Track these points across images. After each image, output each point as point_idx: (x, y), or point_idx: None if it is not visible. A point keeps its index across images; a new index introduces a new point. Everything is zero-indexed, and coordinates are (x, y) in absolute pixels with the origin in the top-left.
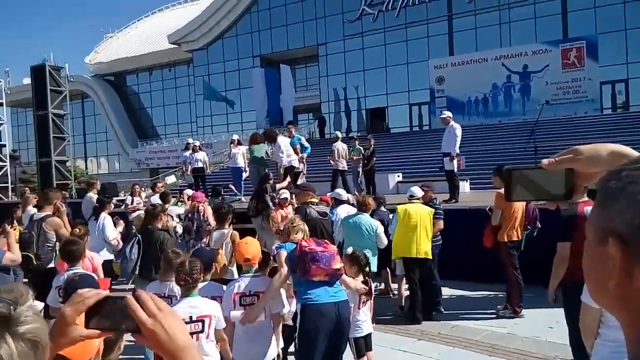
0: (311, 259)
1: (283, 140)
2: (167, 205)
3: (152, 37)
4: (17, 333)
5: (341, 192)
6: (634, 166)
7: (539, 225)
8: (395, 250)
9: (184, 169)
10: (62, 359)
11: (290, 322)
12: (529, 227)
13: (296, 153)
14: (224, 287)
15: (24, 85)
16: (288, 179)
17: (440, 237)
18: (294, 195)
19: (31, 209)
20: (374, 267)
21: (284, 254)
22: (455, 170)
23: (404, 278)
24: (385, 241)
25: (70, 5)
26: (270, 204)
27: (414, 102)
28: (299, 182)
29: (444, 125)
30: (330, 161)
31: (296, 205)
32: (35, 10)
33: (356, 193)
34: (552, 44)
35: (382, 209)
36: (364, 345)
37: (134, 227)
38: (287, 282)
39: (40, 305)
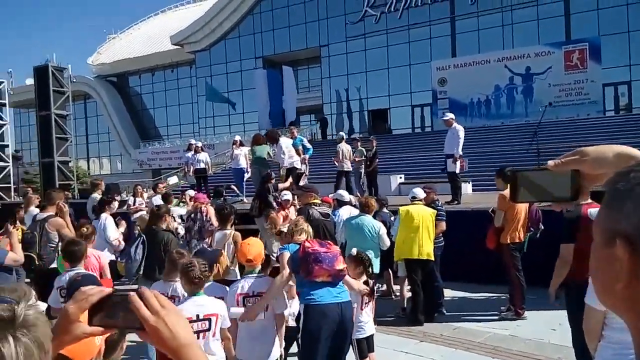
0: (314, 260)
1: (285, 141)
2: (170, 206)
3: (154, 38)
4: (20, 333)
5: (343, 193)
6: None
7: (542, 227)
8: (398, 252)
9: (186, 169)
10: (64, 359)
11: (292, 323)
12: (532, 228)
13: (298, 154)
14: (227, 288)
15: (26, 86)
16: (290, 179)
17: (442, 238)
18: (295, 197)
19: (33, 210)
20: (376, 269)
21: (287, 255)
22: (458, 172)
23: (406, 279)
24: (387, 242)
25: (72, 5)
26: (274, 203)
27: (416, 103)
28: (301, 183)
29: (447, 127)
30: (335, 162)
31: (299, 207)
32: (38, 10)
33: (358, 194)
34: (555, 46)
35: (384, 210)
36: (366, 346)
37: (137, 227)
38: (290, 283)
39: (43, 305)
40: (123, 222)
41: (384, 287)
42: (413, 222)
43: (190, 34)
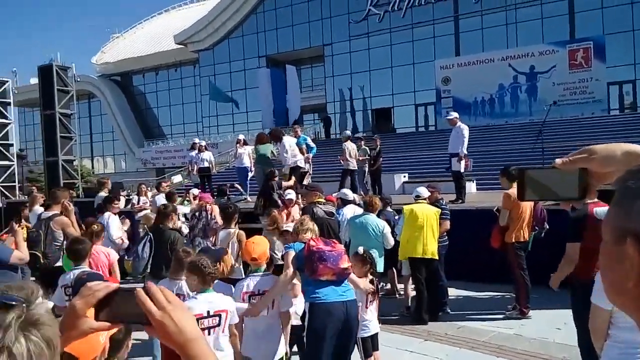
0: (319, 258)
1: (288, 140)
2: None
3: (158, 37)
4: (30, 331)
5: (347, 192)
6: None
7: (547, 226)
8: (402, 251)
9: (189, 168)
10: (69, 357)
11: (295, 322)
12: (536, 227)
13: (302, 153)
14: (232, 286)
15: (31, 85)
16: (293, 178)
17: (446, 237)
18: (299, 196)
19: (38, 208)
20: (380, 268)
21: (291, 254)
22: (463, 171)
23: (410, 278)
24: (392, 241)
25: (75, 5)
26: (278, 201)
27: (419, 102)
28: (305, 182)
29: (451, 126)
30: (341, 161)
31: (303, 206)
32: (42, 10)
33: (362, 193)
34: (559, 45)
35: (389, 209)
36: (370, 345)
37: (143, 226)
38: (294, 281)
39: (50, 303)
40: (127, 221)
41: (388, 286)
42: (417, 221)
43: (194, 33)
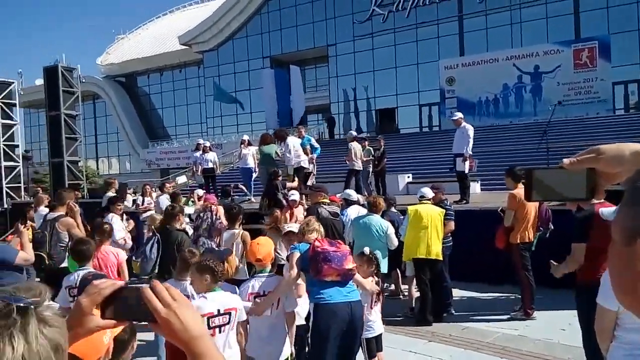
0: (323, 259)
1: (292, 140)
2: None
3: (162, 38)
4: (37, 333)
5: (351, 192)
6: None
7: (552, 227)
8: (406, 251)
9: (194, 169)
10: (72, 358)
11: (299, 322)
12: (541, 228)
13: (306, 154)
14: (236, 287)
15: (36, 86)
16: (297, 179)
17: (451, 238)
18: (303, 196)
19: (43, 209)
20: (384, 268)
21: (296, 255)
22: (467, 171)
23: (415, 279)
24: (395, 242)
25: (80, 6)
26: (283, 201)
27: (424, 102)
28: (309, 182)
29: (456, 126)
30: (347, 161)
31: (307, 206)
32: (47, 11)
33: (366, 194)
34: (564, 44)
35: (393, 209)
36: (375, 346)
37: (150, 227)
38: (298, 281)
39: (56, 305)
40: (131, 222)
41: (392, 287)
42: (422, 222)
43: (198, 34)
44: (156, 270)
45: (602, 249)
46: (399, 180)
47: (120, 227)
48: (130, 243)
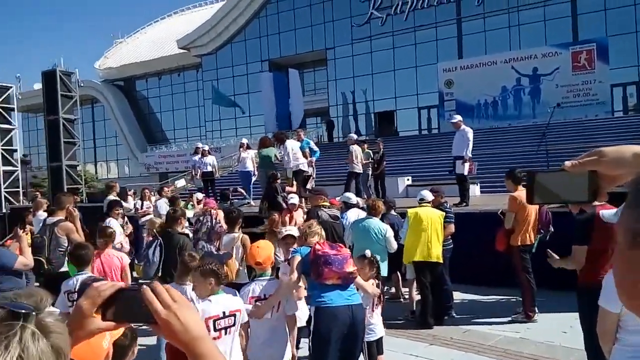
0: (324, 262)
1: (291, 143)
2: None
3: (161, 42)
4: (40, 340)
5: (350, 195)
6: None
7: (552, 229)
8: (406, 254)
9: (193, 173)
10: None
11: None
12: (542, 230)
13: (305, 157)
14: (236, 291)
15: (34, 91)
16: (295, 183)
17: (451, 240)
18: (303, 200)
19: (41, 213)
20: (384, 272)
21: (297, 258)
22: (467, 174)
23: (415, 282)
24: (394, 245)
25: (77, 11)
26: (283, 204)
27: (422, 105)
28: (309, 186)
29: (455, 129)
30: (348, 163)
31: (307, 209)
32: (45, 14)
33: (365, 197)
34: (562, 47)
35: (393, 212)
36: (375, 349)
37: (151, 231)
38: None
39: (57, 310)
40: (129, 226)
41: (393, 290)
42: (422, 225)
43: (197, 37)
44: (159, 274)
45: (603, 250)
46: (398, 183)
47: (118, 231)
48: (127, 247)
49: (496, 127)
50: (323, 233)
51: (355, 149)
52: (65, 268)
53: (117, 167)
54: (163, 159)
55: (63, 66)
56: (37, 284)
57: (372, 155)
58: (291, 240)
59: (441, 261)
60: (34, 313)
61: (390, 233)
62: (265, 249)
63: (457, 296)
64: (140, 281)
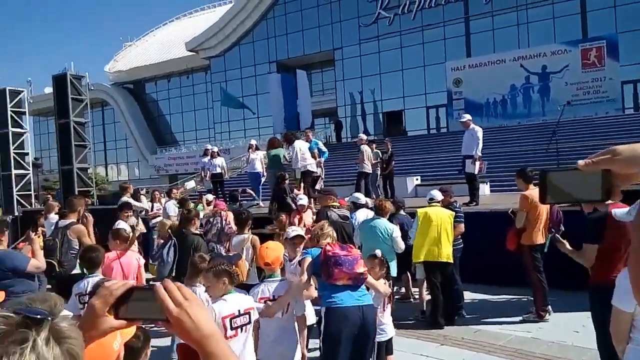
0: (334, 263)
1: (299, 144)
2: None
3: (169, 44)
4: (56, 346)
5: (359, 196)
6: None
7: (563, 228)
8: (416, 254)
9: (202, 174)
10: None
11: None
12: (552, 229)
13: (314, 158)
14: (245, 292)
15: (45, 95)
16: (302, 185)
17: (461, 240)
18: (312, 200)
19: (53, 216)
20: (393, 272)
21: (308, 260)
22: (477, 173)
23: (425, 282)
24: (402, 245)
25: (88, 14)
26: (292, 204)
27: (431, 104)
28: (317, 186)
29: (464, 128)
30: (359, 163)
31: (316, 210)
32: (54, 22)
33: (374, 196)
34: (572, 44)
35: (402, 212)
36: (384, 349)
37: (167, 231)
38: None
39: (69, 313)
40: (140, 227)
41: (403, 290)
42: (431, 224)
43: (205, 40)
44: (173, 274)
45: (615, 249)
46: (407, 182)
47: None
48: (135, 249)
49: (505, 126)
50: (335, 235)
51: (366, 149)
52: (77, 270)
53: (127, 169)
54: (173, 161)
55: (73, 70)
56: (49, 286)
57: (380, 155)
58: (299, 241)
59: (451, 261)
60: (48, 318)
61: (397, 233)
62: (274, 250)
63: (468, 296)
64: (150, 282)
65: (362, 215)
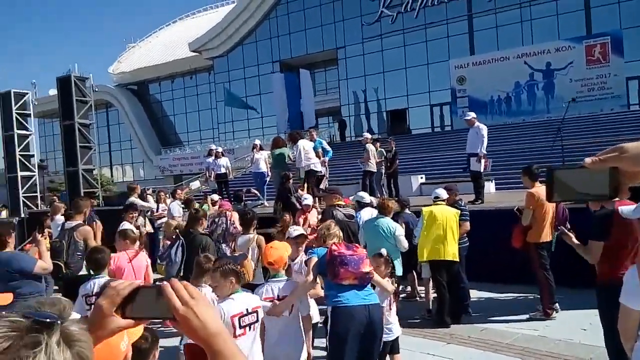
0: (340, 263)
1: (303, 143)
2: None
3: (173, 45)
4: (66, 350)
5: (364, 195)
6: None
7: (569, 226)
8: (422, 253)
9: (207, 175)
10: None
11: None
12: (558, 227)
13: (318, 157)
14: (251, 292)
15: (50, 97)
16: (306, 184)
17: (467, 238)
18: (317, 199)
19: (59, 218)
20: (398, 271)
21: (314, 260)
22: (482, 171)
23: (431, 281)
24: (405, 244)
25: (91, 15)
26: (297, 204)
27: (435, 102)
28: (322, 185)
29: (469, 126)
30: (363, 162)
31: (322, 209)
32: (58, 23)
33: (379, 195)
34: (576, 41)
35: (407, 211)
36: (388, 348)
37: (161, 232)
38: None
39: (77, 315)
40: (147, 227)
41: (409, 289)
42: (437, 223)
43: (208, 40)
44: (181, 274)
45: (622, 246)
46: (412, 181)
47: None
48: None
49: (510, 123)
50: (341, 234)
51: (371, 147)
52: (83, 272)
53: (132, 170)
54: (177, 162)
55: (77, 72)
56: (56, 287)
57: (384, 154)
58: (301, 240)
59: (457, 259)
60: (58, 322)
61: (400, 232)
62: (278, 250)
63: (474, 294)
64: (157, 283)
65: (367, 214)
